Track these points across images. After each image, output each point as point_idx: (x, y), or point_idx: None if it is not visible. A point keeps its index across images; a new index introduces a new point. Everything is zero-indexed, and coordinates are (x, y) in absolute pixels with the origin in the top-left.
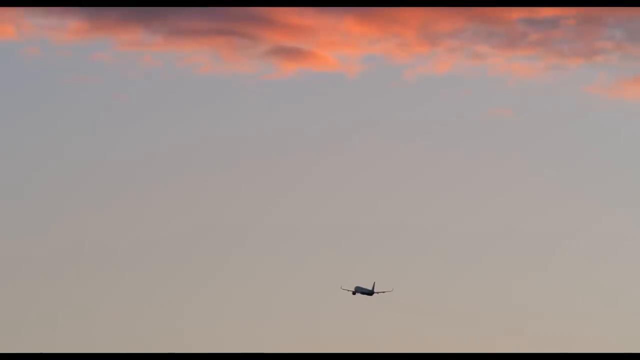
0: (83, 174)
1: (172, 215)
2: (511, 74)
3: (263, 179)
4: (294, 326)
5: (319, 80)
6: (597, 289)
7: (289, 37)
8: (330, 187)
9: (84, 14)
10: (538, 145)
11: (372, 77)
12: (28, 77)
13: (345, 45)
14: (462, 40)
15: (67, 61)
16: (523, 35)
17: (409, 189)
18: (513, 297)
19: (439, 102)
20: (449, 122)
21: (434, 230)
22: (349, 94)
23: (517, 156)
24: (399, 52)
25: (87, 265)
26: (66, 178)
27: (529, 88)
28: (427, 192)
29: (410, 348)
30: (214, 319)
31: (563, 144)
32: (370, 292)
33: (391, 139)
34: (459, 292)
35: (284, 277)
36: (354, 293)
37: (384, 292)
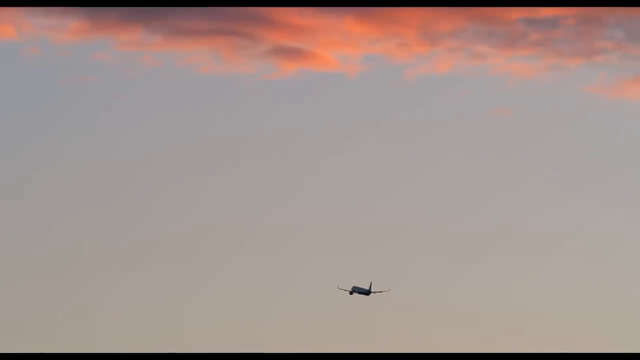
0: (83, 174)
1: (172, 215)
2: (511, 74)
3: (263, 179)
4: (294, 326)
5: (319, 80)
6: (597, 289)
7: (289, 37)
8: (330, 187)
9: (84, 14)
10: (538, 145)
11: (372, 77)
12: (28, 77)
13: (345, 45)
14: (462, 40)
15: (67, 61)
16: (523, 35)
17: (409, 189)
18: (513, 297)
19: (439, 102)
20: (449, 122)
21: (433, 230)
22: (349, 94)
23: (517, 156)
24: (399, 52)
25: (87, 265)
26: (66, 178)
27: (529, 88)
28: (427, 192)
29: (410, 348)
30: (214, 319)
31: (563, 144)
32: (367, 292)
33: (391, 139)
34: (459, 292)
35: (284, 277)
36: (351, 293)
37: (380, 291)
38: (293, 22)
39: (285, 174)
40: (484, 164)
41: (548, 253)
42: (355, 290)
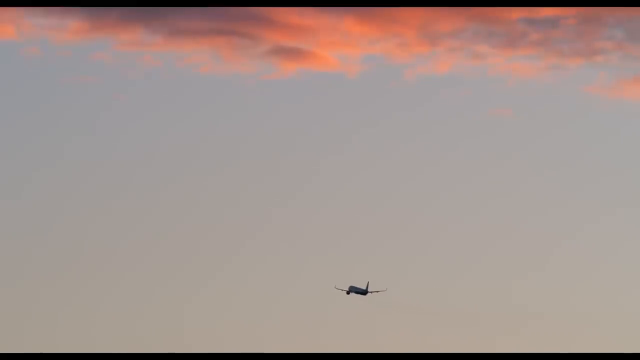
0: (83, 174)
1: (172, 215)
2: (511, 74)
3: (263, 179)
4: (294, 326)
5: (319, 80)
6: (597, 289)
7: (289, 37)
8: (330, 187)
9: (84, 14)
10: (538, 145)
11: (372, 77)
12: (28, 77)
13: (345, 45)
14: (462, 40)
15: (67, 61)
16: (523, 35)
17: (409, 188)
18: (513, 297)
19: (439, 102)
20: (449, 122)
21: (433, 230)
22: (349, 94)
23: (517, 156)
24: (399, 52)
25: (87, 265)
26: (66, 178)
27: (529, 88)
28: (427, 192)
29: (410, 348)
30: (214, 319)
31: (563, 144)
32: (364, 292)
33: (391, 139)
34: (459, 292)
35: (283, 277)
36: (348, 292)
37: (377, 291)
38: (293, 22)
39: (285, 174)
40: (484, 164)
41: (548, 253)
42: (352, 290)
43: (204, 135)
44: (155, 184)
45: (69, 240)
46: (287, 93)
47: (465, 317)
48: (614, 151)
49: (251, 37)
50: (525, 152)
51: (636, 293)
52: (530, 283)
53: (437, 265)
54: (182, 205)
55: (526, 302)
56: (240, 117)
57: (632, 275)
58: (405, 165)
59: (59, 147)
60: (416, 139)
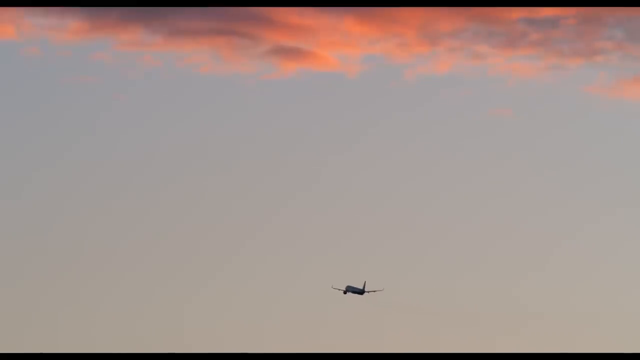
0: (83, 174)
1: (172, 215)
2: (511, 74)
3: (263, 178)
4: (294, 326)
5: (319, 80)
6: (597, 289)
7: (289, 37)
8: (330, 187)
9: (84, 14)
10: (538, 145)
11: (372, 77)
12: (28, 77)
13: (345, 45)
14: (462, 40)
15: (67, 61)
16: (523, 35)
17: (409, 188)
18: (513, 297)
19: (439, 102)
20: (449, 122)
21: (433, 230)
22: (349, 94)
23: (517, 156)
24: (399, 52)
25: (87, 265)
26: (66, 178)
27: (529, 88)
28: (427, 192)
29: (410, 348)
30: (214, 319)
31: (563, 144)
32: (361, 292)
33: (391, 139)
34: (459, 292)
35: (283, 277)
36: (345, 292)
37: (374, 291)
38: (293, 22)
39: (285, 174)
40: (484, 164)
41: (548, 253)
42: (350, 289)
43: (204, 135)
44: (155, 184)
45: (69, 240)
46: (287, 93)
47: (465, 317)
48: (614, 151)
49: (251, 37)
50: (525, 152)
51: (636, 293)
52: (530, 283)
53: (437, 265)
54: (182, 205)
55: (526, 302)
56: (240, 117)
57: (632, 275)
58: (405, 165)
59: (59, 147)
60: (416, 139)
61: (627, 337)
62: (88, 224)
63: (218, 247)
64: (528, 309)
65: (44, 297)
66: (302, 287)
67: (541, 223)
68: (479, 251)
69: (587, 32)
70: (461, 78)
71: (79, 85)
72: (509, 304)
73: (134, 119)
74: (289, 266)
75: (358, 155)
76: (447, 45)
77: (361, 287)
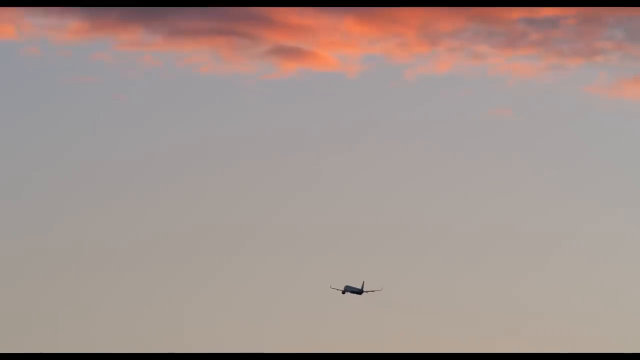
0: (83, 174)
1: (172, 215)
2: (511, 74)
3: (263, 179)
4: (294, 326)
5: (319, 80)
6: (597, 289)
7: (289, 37)
8: (330, 187)
9: (84, 14)
10: (538, 145)
11: (372, 77)
12: (28, 77)
13: (345, 45)
14: (462, 40)
15: (67, 61)
16: (523, 35)
17: (409, 188)
18: (513, 297)
19: (439, 102)
20: (449, 122)
21: (433, 230)
22: (349, 94)
23: (517, 156)
24: (399, 52)
25: (87, 265)
26: (66, 178)
27: (529, 88)
28: (427, 192)
29: (410, 348)
30: (214, 319)
31: (563, 144)
32: (359, 291)
33: (391, 139)
34: (459, 292)
35: (283, 277)
36: (343, 292)
37: (373, 291)
38: (293, 22)
39: (285, 174)
40: (484, 164)
41: (548, 253)
42: (348, 289)
43: (204, 135)
44: (155, 184)
45: (69, 240)
46: (287, 93)
47: (465, 317)
48: (614, 151)
49: (251, 37)
50: (525, 152)
51: (636, 293)
52: (530, 283)
53: (436, 265)
54: (182, 205)
55: (526, 302)
56: (240, 117)
57: (632, 275)
58: (405, 165)
59: (59, 147)
60: (416, 139)
61: (627, 337)
62: (88, 224)
63: (218, 247)
64: (528, 309)
65: (44, 297)
66: (302, 287)
67: (541, 223)
68: (478, 251)
69: (587, 32)
70: (461, 78)
71: (79, 85)
72: (509, 304)
73: (134, 119)
74: (289, 266)
75: (358, 155)
76: (447, 45)
77: (359, 287)
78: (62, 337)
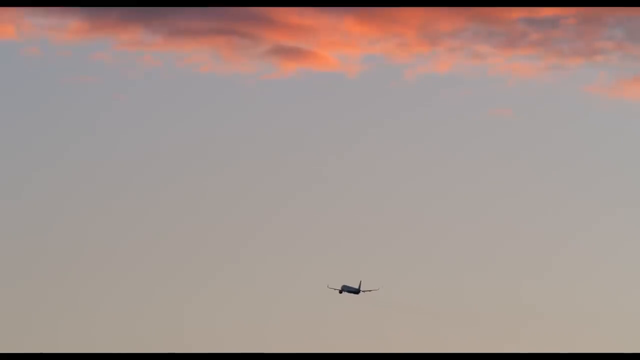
0: (83, 174)
1: (172, 215)
2: (511, 74)
3: (263, 179)
4: (294, 326)
5: (319, 80)
6: (597, 289)
7: (289, 37)
8: (330, 187)
9: (84, 14)
10: (538, 145)
11: (372, 77)
12: (28, 77)
13: (345, 45)
14: (462, 40)
15: (67, 61)
16: (523, 35)
17: (409, 188)
18: (513, 297)
19: (439, 102)
20: (449, 122)
21: (433, 230)
22: (349, 94)
23: (517, 156)
24: (399, 52)
25: (87, 265)
26: (66, 178)
27: (529, 88)
28: (427, 192)
29: (410, 348)
30: (214, 319)
31: (563, 144)
32: (356, 291)
33: (391, 138)
34: (459, 292)
35: (283, 277)
36: (340, 292)
37: (370, 290)
38: (293, 22)
39: (285, 174)
40: (484, 164)
41: (548, 253)
42: (345, 289)
43: (204, 135)
44: (155, 184)
45: (69, 240)
46: (287, 93)
47: (465, 317)
48: (614, 151)
49: (251, 37)
50: (525, 152)
51: (636, 293)
52: (530, 283)
53: (436, 265)
54: (182, 205)
55: (526, 302)
56: (240, 117)
57: (632, 275)
58: (405, 165)
59: (59, 147)
60: (416, 139)
61: (627, 337)
62: (88, 224)
63: (218, 247)
64: (528, 309)
65: (44, 297)
66: (301, 287)
67: (541, 223)
68: (478, 251)
69: (587, 32)
70: (461, 78)
71: (79, 85)
72: (509, 304)
73: (134, 119)
74: (289, 266)
75: (358, 155)
76: (447, 45)
77: (357, 287)
78: (62, 337)
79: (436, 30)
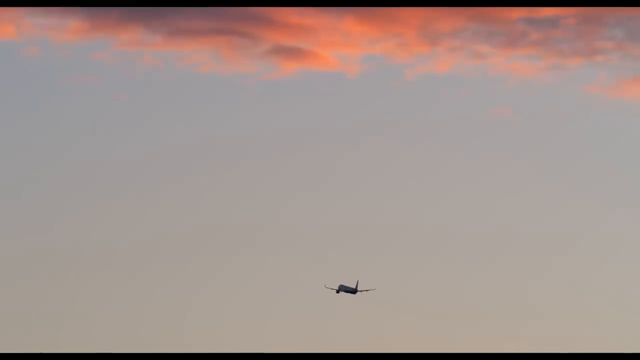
0: (83, 174)
1: (172, 215)
2: (511, 74)
3: (263, 178)
4: (294, 326)
5: (319, 80)
6: (597, 289)
7: (289, 37)
8: (329, 187)
9: (84, 14)
10: (538, 145)
11: (372, 77)
12: (28, 77)
13: (345, 45)
14: (462, 40)
15: (67, 61)
16: (523, 34)
17: (409, 188)
18: (513, 297)
19: (439, 102)
20: (449, 122)
21: (433, 230)
22: (349, 94)
23: (517, 156)
24: (399, 52)
25: (88, 265)
26: (66, 178)
27: (529, 88)
28: (427, 192)
29: (410, 348)
30: (214, 319)
31: (563, 144)
32: (353, 291)
33: (391, 138)
34: (459, 293)
35: (283, 277)
36: (337, 292)
37: (367, 290)
38: (293, 22)
39: (285, 174)
40: (484, 164)
41: (548, 253)
42: (342, 289)
43: (204, 135)
44: (155, 184)
45: (69, 240)
46: (287, 93)
47: (465, 317)
48: (614, 151)
49: (251, 37)
50: (525, 152)
51: (637, 293)
52: (530, 283)
53: (436, 265)
54: (182, 205)
55: (526, 302)
56: (240, 117)
57: (633, 275)
58: (405, 165)
59: (59, 147)
60: (416, 139)
61: (627, 337)
62: (88, 224)
63: (218, 247)
64: (528, 309)
65: (44, 297)
66: (302, 287)
67: (541, 223)
68: (478, 251)
69: (587, 32)
70: (461, 78)
71: (79, 85)
72: (509, 304)
73: (134, 119)
74: (288, 266)
75: (358, 155)
76: (447, 45)
77: (354, 287)
78: (62, 337)
79: (436, 30)
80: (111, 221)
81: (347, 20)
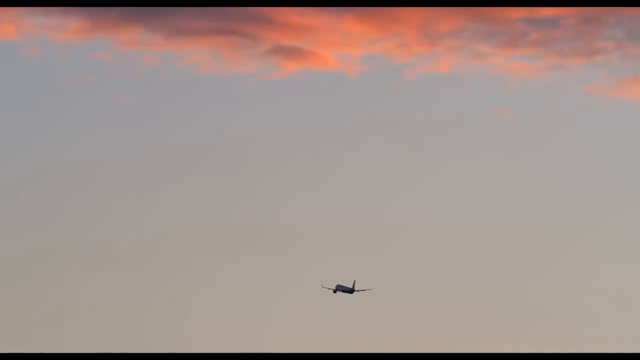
0: (83, 174)
1: (172, 215)
2: (511, 74)
3: (263, 179)
4: (294, 326)
5: (319, 80)
6: (598, 289)
7: (289, 37)
8: (329, 187)
9: (84, 14)
10: (538, 145)
11: (372, 77)
12: (28, 77)
13: (345, 45)
14: (462, 40)
15: (67, 61)
16: (523, 34)
17: (409, 188)
18: (513, 297)
19: (439, 102)
20: (449, 122)
21: (433, 230)
22: (349, 94)
23: (517, 156)
24: (399, 52)
25: (88, 266)
26: (66, 178)
27: (529, 88)
28: (427, 192)
29: (410, 348)
30: (214, 319)
31: (563, 144)
32: (351, 291)
33: (391, 138)
34: (459, 293)
35: (284, 277)
36: (334, 291)
37: (364, 290)
38: (293, 22)
39: (285, 174)
40: (484, 164)
41: (548, 253)
42: (339, 288)
43: (204, 135)
44: (155, 184)
45: (69, 240)
46: (287, 93)
47: (465, 317)
48: (614, 151)
49: (251, 37)
50: (525, 152)
51: (637, 293)
52: (531, 283)
53: (437, 265)
54: (182, 206)
55: (527, 302)
56: (240, 117)
57: (633, 275)
58: (405, 165)
59: (59, 147)
60: (416, 139)
61: (628, 337)
62: (88, 224)
63: (218, 248)
64: (529, 309)
65: (44, 297)
66: (301, 287)
67: (541, 223)
68: (478, 251)
69: (587, 32)
70: (461, 78)
71: (79, 85)
72: (510, 304)
73: (134, 119)
74: (288, 266)
75: (358, 155)
76: (447, 45)
77: (351, 286)
78: (62, 337)
79: (436, 30)
80: (111, 221)
81: (347, 20)
